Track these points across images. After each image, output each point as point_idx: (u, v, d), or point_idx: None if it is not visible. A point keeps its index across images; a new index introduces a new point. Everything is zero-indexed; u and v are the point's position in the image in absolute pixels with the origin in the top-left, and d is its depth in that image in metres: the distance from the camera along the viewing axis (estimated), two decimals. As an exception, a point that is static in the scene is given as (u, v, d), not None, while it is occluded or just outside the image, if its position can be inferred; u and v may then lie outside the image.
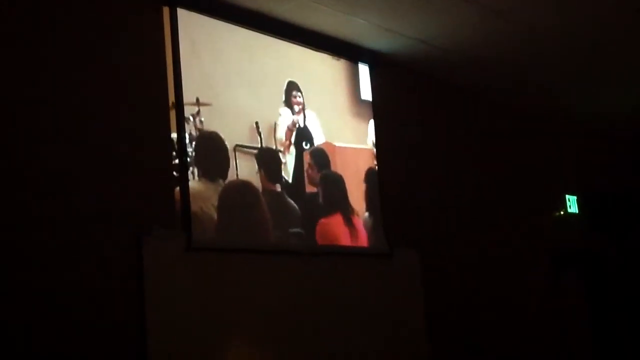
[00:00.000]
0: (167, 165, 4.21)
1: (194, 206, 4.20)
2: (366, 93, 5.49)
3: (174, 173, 4.22)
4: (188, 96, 4.34)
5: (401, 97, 5.80)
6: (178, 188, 4.20)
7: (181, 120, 4.28)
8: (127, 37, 4.21)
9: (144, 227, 3.95)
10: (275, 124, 4.81)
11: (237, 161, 4.50)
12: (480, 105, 6.58)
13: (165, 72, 4.31)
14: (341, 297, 4.81)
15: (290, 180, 4.82)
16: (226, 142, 4.48)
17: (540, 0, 4.92)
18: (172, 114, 4.28)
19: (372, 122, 5.42)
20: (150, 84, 4.24)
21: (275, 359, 4.39)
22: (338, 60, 5.36)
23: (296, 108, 4.99)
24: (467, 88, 6.36)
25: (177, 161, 4.25)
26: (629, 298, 7.56)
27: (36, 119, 3.73)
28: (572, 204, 7.21)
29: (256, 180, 4.59)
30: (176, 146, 4.24)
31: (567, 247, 7.07)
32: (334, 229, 4.98)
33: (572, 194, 7.25)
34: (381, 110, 5.53)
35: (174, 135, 4.26)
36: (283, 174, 4.80)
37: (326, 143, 5.10)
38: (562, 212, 7.11)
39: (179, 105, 4.29)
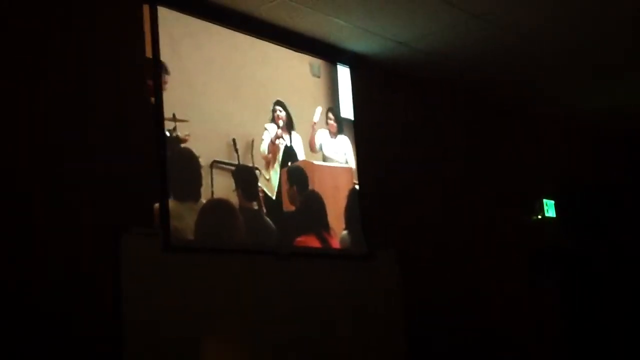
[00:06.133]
0: (147, 179, 4.13)
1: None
2: (346, 110, 5.43)
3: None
4: (168, 108, 4.24)
5: (381, 98, 5.75)
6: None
7: (161, 133, 4.20)
8: (106, 35, 4.09)
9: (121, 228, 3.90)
10: (253, 140, 4.71)
11: (214, 178, 4.40)
12: (461, 107, 6.53)
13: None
14: (320, 298, 4.77)
15: (274, 197, 4.74)
16: (200, 160, 4.37)
17: (522, 2, 4.89)
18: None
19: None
20: (131, 90, 4.14)
21: (252, 359, 4.37)
22: (319, 78, 5.28)
23: (280, 123, 4.91)
24: (447, 90, 6.31)
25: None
26: (605, 300, 7.60)
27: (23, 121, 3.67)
28: (549, 208, 7.21)
29: (233, 198, 4.51)
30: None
31: (544, 249, 7.07)
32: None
33: (549, 198, 7.24)
34: (361, 110, 5.47)
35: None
36: (266, 190, 4.72)
37: (304, 161, 5.02)
38: (539, 216, 7.12)
39: (159, 118, 4.20)
